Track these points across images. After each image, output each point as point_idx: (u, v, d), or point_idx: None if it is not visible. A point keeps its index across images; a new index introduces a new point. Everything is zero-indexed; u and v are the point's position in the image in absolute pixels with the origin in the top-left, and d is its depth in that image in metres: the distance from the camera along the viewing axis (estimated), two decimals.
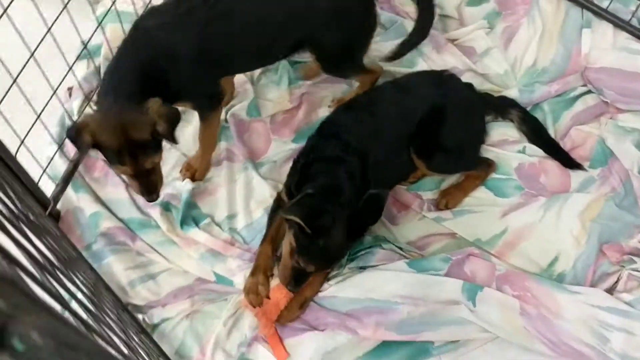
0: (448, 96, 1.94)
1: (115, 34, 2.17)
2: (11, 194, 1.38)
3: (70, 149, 2.11)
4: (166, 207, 2.04)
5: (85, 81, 2.23)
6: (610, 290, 1.88)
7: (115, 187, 2.09)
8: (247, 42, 1.79)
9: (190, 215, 2.03)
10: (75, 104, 2.19)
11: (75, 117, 2.11)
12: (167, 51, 1.66)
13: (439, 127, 1.90)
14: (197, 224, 2.01)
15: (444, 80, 2.00)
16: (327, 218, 1.60)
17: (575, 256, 1.94)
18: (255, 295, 1.78)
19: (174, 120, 1.62)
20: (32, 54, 1.51)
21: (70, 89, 2.23)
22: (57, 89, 1.75)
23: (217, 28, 1.71)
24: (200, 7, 1.68)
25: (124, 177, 2.00)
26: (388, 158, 1.89)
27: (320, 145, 1.82)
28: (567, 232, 1.98)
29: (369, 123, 1.86)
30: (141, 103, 1.56)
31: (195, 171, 2.06)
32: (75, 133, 1.54)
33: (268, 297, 1.80)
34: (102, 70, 2.25)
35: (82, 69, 2.27)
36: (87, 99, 2.16)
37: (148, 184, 1.70)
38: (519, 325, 1.80)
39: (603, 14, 2.31)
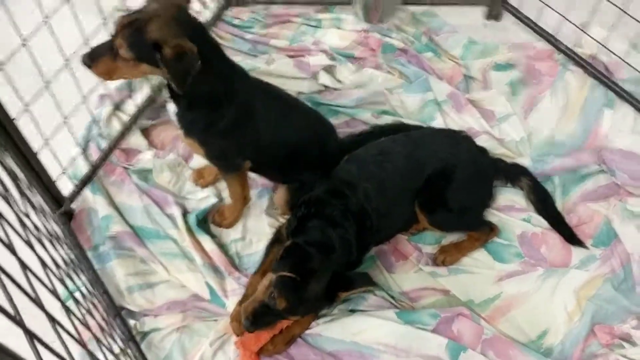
0: (460, 157, 1.98)
1: None
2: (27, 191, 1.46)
3: (93, 152, 2.20)
4: (184, 211, 2.15)
5: (118, 90, 2.34)
6: None
7: (130, 194, 2.18)
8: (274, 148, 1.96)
9: (203, 228, 2.12)
10: (104, 110, 2.29)
11: (101, 124, 2.20)
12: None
13: (446, 186, 1.94)
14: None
15: (458, 140, 2.04)
16: (313, 263, 1.69)
17: (565, 332, 1.93)
18: (238, 324, 1.82)
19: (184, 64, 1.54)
20: (67, 61, 1.60)
21: (102, 96, 2.34)
22: (86, 97, 1.84)
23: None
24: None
25: None
26: (392, 210, 1.93)
27: (324, 200, 1.85)
28: (561, 306, 1.98)
29: (378, 178, 1.90)
30: None
31: (225, 219, 2.14)
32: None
33: None
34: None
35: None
36: (116, 107, 2.25)
37: None
38: None
39: (626, 97, 2.34)
